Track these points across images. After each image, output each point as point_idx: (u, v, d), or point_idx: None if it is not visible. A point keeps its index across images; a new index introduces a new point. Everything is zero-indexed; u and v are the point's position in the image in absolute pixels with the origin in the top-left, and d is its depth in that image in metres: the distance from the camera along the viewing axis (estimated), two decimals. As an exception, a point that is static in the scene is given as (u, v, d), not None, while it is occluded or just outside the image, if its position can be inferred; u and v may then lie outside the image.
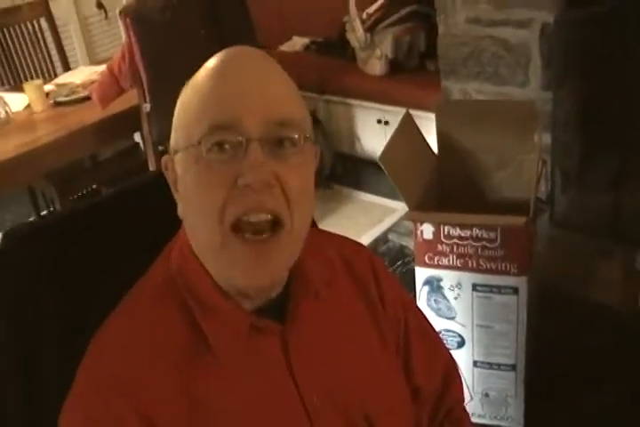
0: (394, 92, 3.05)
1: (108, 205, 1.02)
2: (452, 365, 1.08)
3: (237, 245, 0.76)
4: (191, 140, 0.77)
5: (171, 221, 0.85)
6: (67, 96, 2.80)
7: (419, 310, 1.09)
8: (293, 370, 0.83)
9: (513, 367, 1.74)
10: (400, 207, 2.95)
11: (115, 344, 0.81)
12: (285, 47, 3.80)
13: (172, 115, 2.38)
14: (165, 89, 2.25)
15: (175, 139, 0.82)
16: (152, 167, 2.36)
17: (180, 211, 0.83)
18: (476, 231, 1.63)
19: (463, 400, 1.10)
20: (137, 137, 3.23)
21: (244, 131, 0.74)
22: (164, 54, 2.28)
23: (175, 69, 2.24)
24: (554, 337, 1.92)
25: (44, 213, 3.21)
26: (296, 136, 0.77)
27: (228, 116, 0.75)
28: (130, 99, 2.48)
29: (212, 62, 0.81)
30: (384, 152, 1.59)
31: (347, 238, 1.02)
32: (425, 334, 1.04)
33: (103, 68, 2.96)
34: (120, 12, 2.40)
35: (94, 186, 2.97)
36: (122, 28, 2.53)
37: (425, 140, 1.84)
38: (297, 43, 3.79)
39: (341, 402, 0.87)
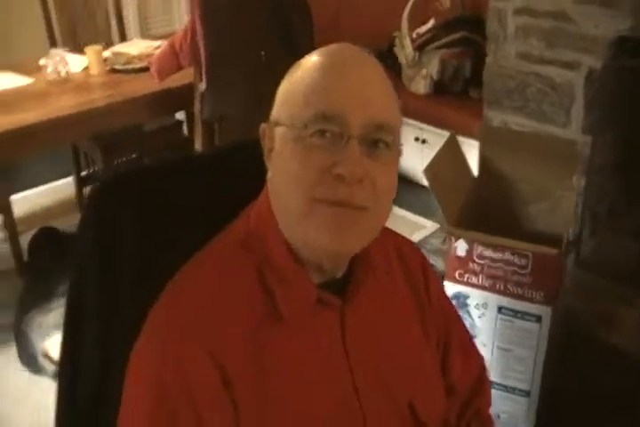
0: (435, 112, 3.13)
1: (196, 163, 1.08)
2: (484, 369, 1.14)
3: (325, 210, 0.80)
4: (295, 120, 0.82)
5: (253, 185, 0.92)
6: (123, 65, 2.92)
7: (458, 314, 1.15)
8: (347, 345, 0.89)
9: (527, 393, 1.78)
10: (429, 225, 3.04)
11: (191, 291, 0.85)
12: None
13: (225, 96, 2.55)
14: (223, 71, 2.37)
15: (278, 112, 0.87)
16: (198, 145, 2.46)
17: (269, 178, 0.89)
18: (508, 255, 1.67)
19: (490, 405, 1.15)
20: (180, 115, 3.37)
21: (348, 126, 0.80)
22: (226, 37, 2.35)
23: (235, 53, 2.35)
24: (570, 371, 1.94)
25: (84, 173, 3.35)
26: (391, 140, 0.84)
27: (336, 110, 0.80)
28: (186, 76, 2.59)
29: (329, 52, 0.87)
30: (429, 165, 1.64)
31: (404, 237, 1.08)
32: (463, 337, 1.11)
33: (157, 43, 3.10)
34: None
35: (134, 155, 3.09)
36: (187, 7, 2.62)
37: (466, 162, 1.90)
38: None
39: (388, 384, 0.92)
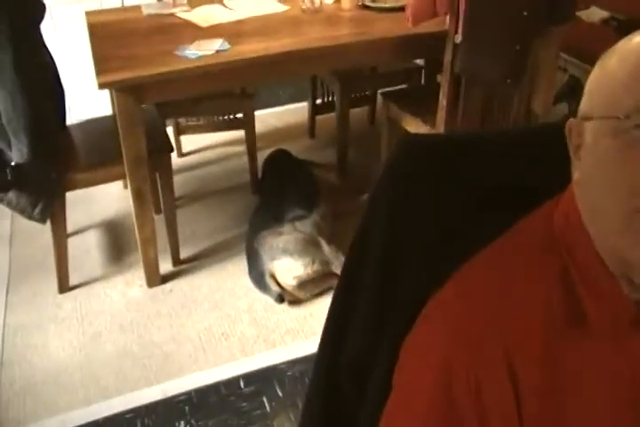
0: None
1: (500, 142, 0.99)
2: None
3: None
4: (614, 111, 0.72)
5: (554, 181, 0.84)
6: (374, 2, 2.95)
7: None
8: None
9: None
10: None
11: (484, 283, 0.81)
12: (582, 15, 3.69)
13: (481, 54, 2.47)
14: (481, 26, 2.33)
15: (590, 105, 0.78)
16: (443, 98, 2.47)
17: (577, 180, 0.79)
18: None
19: None
20: (420, 61, 3.38)
21: None
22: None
23: (496, 10, 2.30)
24: None
25: (319, 101, 3.49)
26: None
27: None
28: (437, 24, 2.56)
29: None
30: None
31: None
32: None
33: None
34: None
35: (368, 93, 3.17)
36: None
37: None
38: (595, 13, 3.65)
39: None
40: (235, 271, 2.68)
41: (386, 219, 0.94)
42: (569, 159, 0.81)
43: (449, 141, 1.01)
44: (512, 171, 0.93)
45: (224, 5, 2.90)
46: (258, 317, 2.46)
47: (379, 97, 3.38)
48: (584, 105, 0.79)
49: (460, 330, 0.78)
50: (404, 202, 0.93)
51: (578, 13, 3.47)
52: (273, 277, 2.52)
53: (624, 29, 3.33)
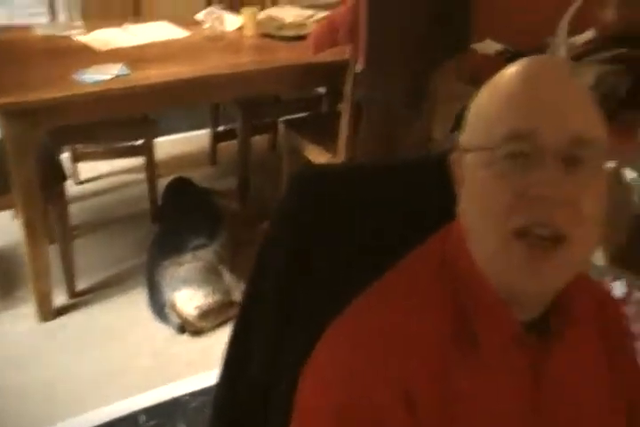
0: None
1: (399, 170, 1.02)
2: None
3: (519, 248, 0.74)
4: (486, 142, 0.77)
5: (445, 210, 0.86)
6: (276, 30, 2.96)
7: None
8: (539, 390, 0.83)
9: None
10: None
11: (381, 308, 0.82)
12: (477, 47, 3.83)
13: (381, 79, 2.53)
14: (381, 56, 2.37)
15: (468, 138, 0.82)
16: (345, 125, 2.49)
17: (461, 209, 0.83)
18: None
19: None
20: (321, 89, 3.42)
21: (544, 142, 0.73)
22: (388, 22, 2.34)
23: (396, 41, 2.34)
24: None
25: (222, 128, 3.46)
26: (594, 157, 0.75)
27: (530, 124, 0.74)
28: (337, 53, 2.56)
29: (517, 68, 0.82)
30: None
31: (605, 288, 1.01)
32: None
33: (310, 12, 3.12)
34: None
35: (271, 119, 3.17)
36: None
37: (628, 194, 1.82)
38: (490, 46, 3.81)
39: None
40: (134, 303, 2.58)
41: (285, 249, 0.95)
42: None
43: (342, 172, 1.04)
44: (406, 198, 0.97)
45: (123, 29, 2.84)
46: (158, 349, 2.38)
47: (280, 125, 3.39)
48: (463, 138, 0.83)
49: (354, 373, 0.77)
50: (302, 233, 0.94)
51: (474, 46, 3.60)
52: (174, 307, 2.45)
53: (516, 60, 3.48)
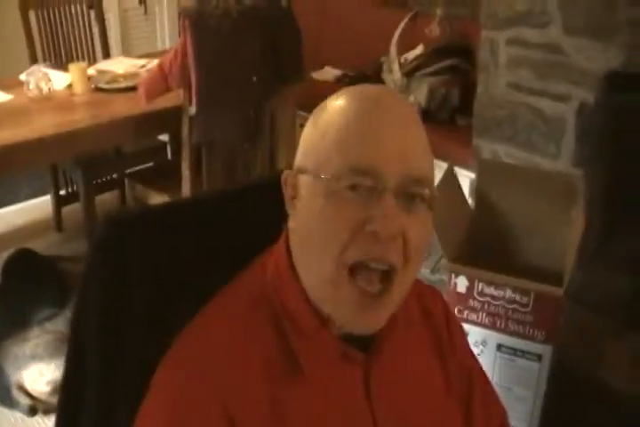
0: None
1: (211, 204, 1.02)
2: (506, 420, 1.10)
3: (350, 290, 0.78)
4: (325, 171, 0.78)
5: (269, 231, 0.88)
6: (108, 83, 2.86)
7: (480, 366, 1.10)
8: (371, 401, 0.85)
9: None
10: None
11: (204, 340, 0.82)
12: (316, 75, 3.89)
13: (215, 121, 2.51)
14: (213, 96, 2.34)
15: (303, 159, 0.82)
16: (186, 169, 2.42)
17: (292, 228, 0.84)
18: (509, 293, 1.64)
19: None
20: (164, 137, 3.32)
21: (382, 179, 0.76)
22: (217, 62, 2.32)
23: (226, 79, 2.32)
24: (565, 410, 1.90)
25: (63, 192, 3.29)
26: (427, 193, 0.79)
27: (371, 161, 0.76)
28: (172, 98, 2.53)
29: (359, 95, 0.83)
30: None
31: (425, 285, 1.03)
32: (485, 389, 1.06)
33: (142, 62, 3.06)
34: (179, 14, 2.46)
35: (115, 175, 3.03)
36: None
37: (463, 195, 1.87)
38: (329, 73, 3.88)
39: None
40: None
41: (100, 299, 0.92)
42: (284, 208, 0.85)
43: (153, 213, 1.01)
44: (225, 229, 0.96)
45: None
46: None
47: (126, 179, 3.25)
48: (298, 159, 0.83)
49: (180, 416, 0.77)
50: (116, 281, 0.91)
51: (312, 74, 3.65)
52: (22, 388, 2.24)
53: (355, 84, 3.56)
